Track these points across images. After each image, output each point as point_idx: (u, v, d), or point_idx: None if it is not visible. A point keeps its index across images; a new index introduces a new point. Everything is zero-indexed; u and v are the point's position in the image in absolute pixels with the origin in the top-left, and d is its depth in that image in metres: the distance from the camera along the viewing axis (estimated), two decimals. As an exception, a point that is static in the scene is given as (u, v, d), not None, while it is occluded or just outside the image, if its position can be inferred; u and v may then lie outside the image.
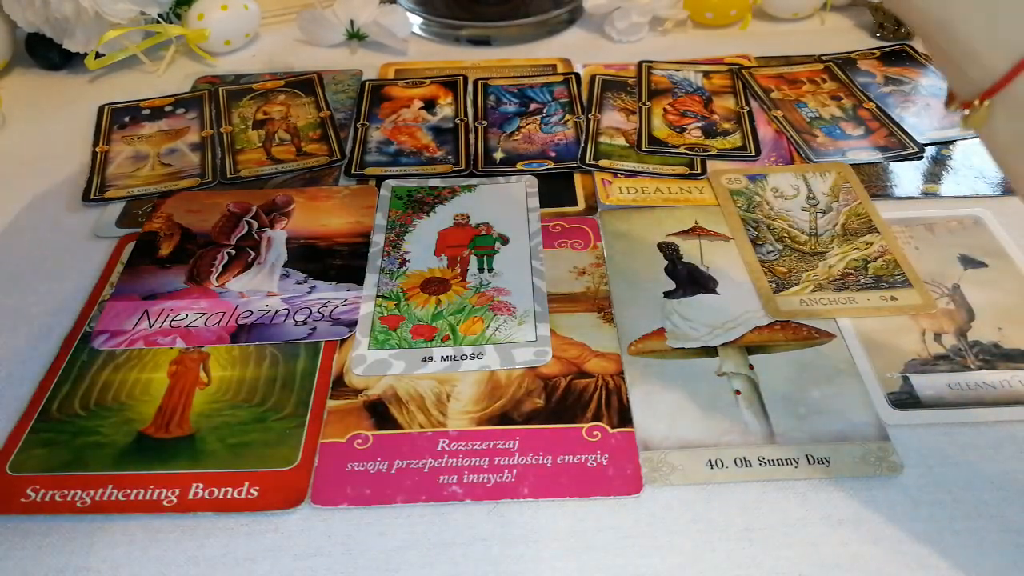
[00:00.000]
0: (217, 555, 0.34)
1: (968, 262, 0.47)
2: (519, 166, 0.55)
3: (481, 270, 0.47)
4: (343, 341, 0.43)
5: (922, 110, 0.60)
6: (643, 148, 0.56)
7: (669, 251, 0.48)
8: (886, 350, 0.42)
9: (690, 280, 0.46)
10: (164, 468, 0.37)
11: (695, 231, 0.50)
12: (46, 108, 0.64)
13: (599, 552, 0.34)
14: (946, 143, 0.56)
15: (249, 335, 0.43)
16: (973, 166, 0.54)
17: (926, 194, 0.52)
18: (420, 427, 0.39)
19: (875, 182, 0.53)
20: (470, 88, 0.64)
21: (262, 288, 0.46)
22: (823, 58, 0.67)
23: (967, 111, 0.29)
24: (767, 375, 0.40)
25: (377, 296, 0.45)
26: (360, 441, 0.38)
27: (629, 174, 0.54)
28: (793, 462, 0.36)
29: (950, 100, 0.30)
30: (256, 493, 0.36)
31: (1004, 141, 0.29)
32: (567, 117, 0.60)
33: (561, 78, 0.65)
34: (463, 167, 0.55)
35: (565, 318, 0.44)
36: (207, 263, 0.48)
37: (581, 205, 0.52)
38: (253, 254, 0.49)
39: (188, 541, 0.34)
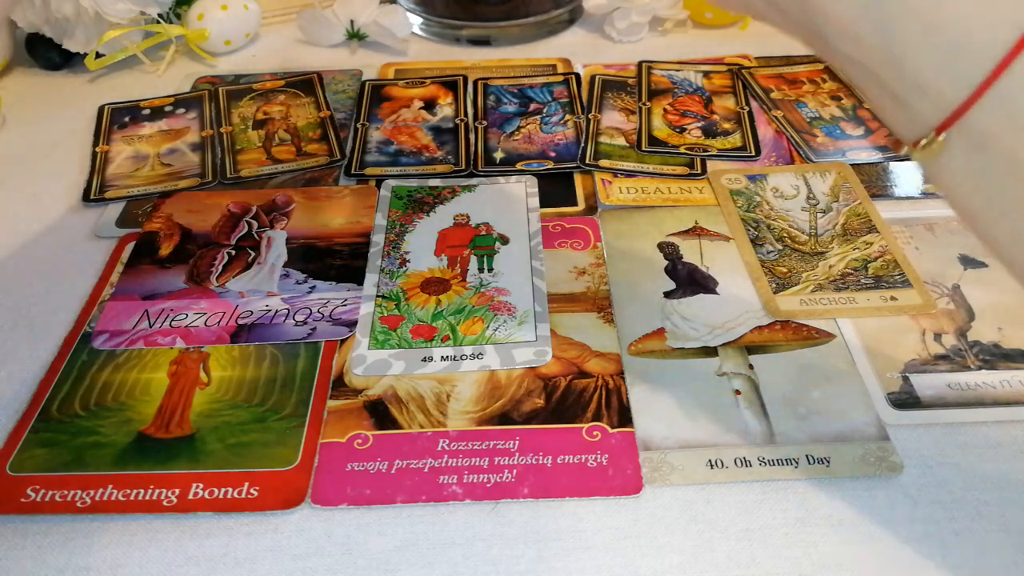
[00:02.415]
0: (217, 555, 0.34)
1: (968, 262, 0.47)
2: (519, 166, 0.55)
3: (481, 270, 0.47)
4: (343, 341, 0.43)
5: (922, 110, 0.60)
6: (643, 148, 0.56)
7: (669, 251, 0.48)
8: (886, 350, 0.42)
9: (690, 280, 0.46)
10: (164, 468, 0.37)
11: (695, 231, 0.50)
12: (46, 108, 0.64)
13: (599, 552, 0.34)
14: (946, 143, 0.56)
15: (249, 335, 0.43)
16: (973, 166, 0.54)
17: (926, 194, 0.52)
18: (420, 427, 0.39)
19: (875, 182, 0.53)
20: (470, 88, 0.64)
21: (262, 288, 0.46)
22: (823, 58, 0.66)
23: (921, 143, 0.27)
24: (767, 375, 0.40)
25: (377, 296, 0.45)
26: (360, 441, 0.38)
27: (629, 174, 0.54)
28: (793, 462, 0.36)
29: (897, 145, 0.29)
30: (256, 493, 0.36)
31: (960, 176, 0.27)
32: (567, 117, 0.60)
33: (561, 78, 0.65)
34: (463, 167, 0.55)
35: (565, 318, 0.44)
36: (207, 263, 0.48)
37: (581, 205, 0.52)
38: (253, 254, 0.49)
39: (188, 541, 0.34)
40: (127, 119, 0.61)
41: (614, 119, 0.60)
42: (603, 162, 0.55)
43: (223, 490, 0.36)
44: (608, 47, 0.70)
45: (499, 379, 0.41)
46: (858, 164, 0.54)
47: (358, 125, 0.60)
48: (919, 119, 0.27)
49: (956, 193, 0.28)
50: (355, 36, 0.71)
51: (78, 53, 0.66)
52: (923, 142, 0.27)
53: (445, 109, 0.61)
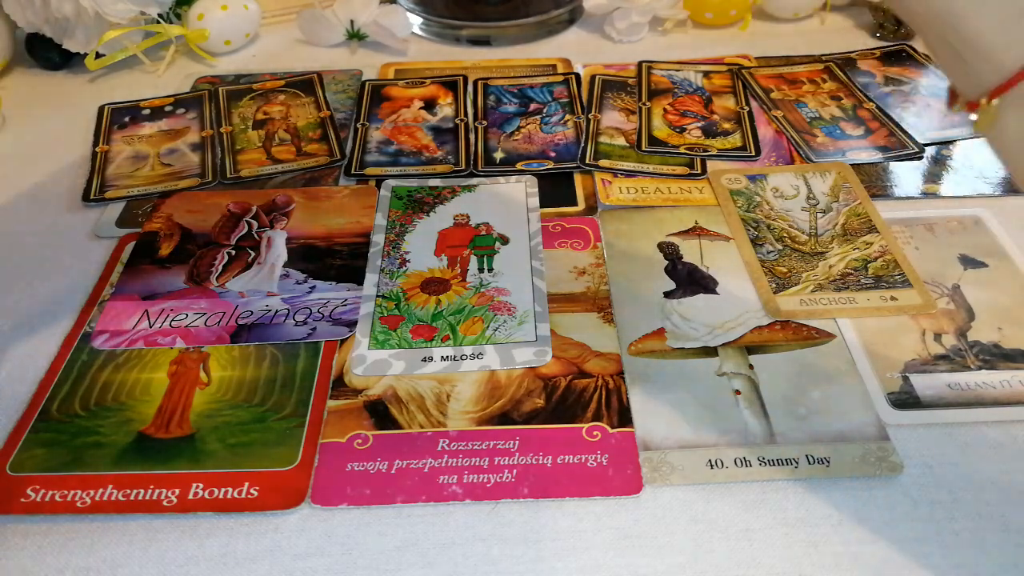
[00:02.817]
0: (217, 555, 0.34)
1: (968, 262, 0.47)
2: (519, 166, 0.55)
3: (481, 270, 0.47)
4: (343, 341, 0.43)
5: (922, 110, 0.60)
6: (643, 148, 0.56)
7: (669, 251, 0.48)
8: (886, 350, 0.42)
9: (690, 280, 0.46)
10: (164, 468, 0.37)
11: (695, 231, 0.50)
12: (46, 108, 0.64)
13: (599, 552, 0.34)
14: (946, 143, 0.56)
15: (249, 335, 0.43)
16: (973, 166, 0.54)
17: (926, 194, 0.52)
18: (420, 427, 0.38)
19: (875, 182, 0.53)
20: (470, 88, 0.64)
21: (262, 288, 0.46)
22: (823, 58, 0.67)
23: (975, 112, 0.28)
24: (767, 375, 0.40)
25: (377, 296, 0.45)
26: (360, 441, 0.38)
27: (629, 174, 0.54)
28: (793, 462, 0.36)
29: (952, 99, 0.29)
30: (256, 493, 0.36)
31: (1013, 141, 0.28)
32: (567, 117, 0.60)
33: (561, 78, 0.65)
34: (463, 167, 0.55)
35: (565, 318, 0.44)
36: (207, 263, 0.48)
37: (581, 205, 0.52)
38: (253, 254, 0.49)
39: (188, 541, 0.34)
40: (127, 119, 0.61)
41: (614, 119, 0.60)
42: (603, 162, 0.55)
43: (223, 490, 0.36)
44: (608, 47, 0.70)
45: (499, 379, 0.41)
46: (858, 164, 0.54)
47: (358, 125, 0.60)
48: (978, 80, 0.27)
49: (1009, 158, 0.28)
50: (355, 36, 0.71)
51: (78, 53, 0.66)
52: (976, 111, 0.27)
53: (445, 109, 0.61)
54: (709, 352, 0.42)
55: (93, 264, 0.48)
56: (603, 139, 0.58)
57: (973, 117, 0.28)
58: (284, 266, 0.48)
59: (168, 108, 0.62)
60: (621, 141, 0.57)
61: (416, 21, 0.73)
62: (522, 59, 0.69)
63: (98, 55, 0.66)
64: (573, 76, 0.64)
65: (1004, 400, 0.39)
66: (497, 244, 0.49)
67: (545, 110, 0.61)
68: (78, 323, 0.44)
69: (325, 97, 0.63)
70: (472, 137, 0.58)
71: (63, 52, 0.67)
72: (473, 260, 0.48)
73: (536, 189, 0.53)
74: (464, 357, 0.42)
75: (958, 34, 0.27)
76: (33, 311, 0.46)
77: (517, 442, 0.38)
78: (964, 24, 0.26)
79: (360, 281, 0.46)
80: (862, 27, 0.73)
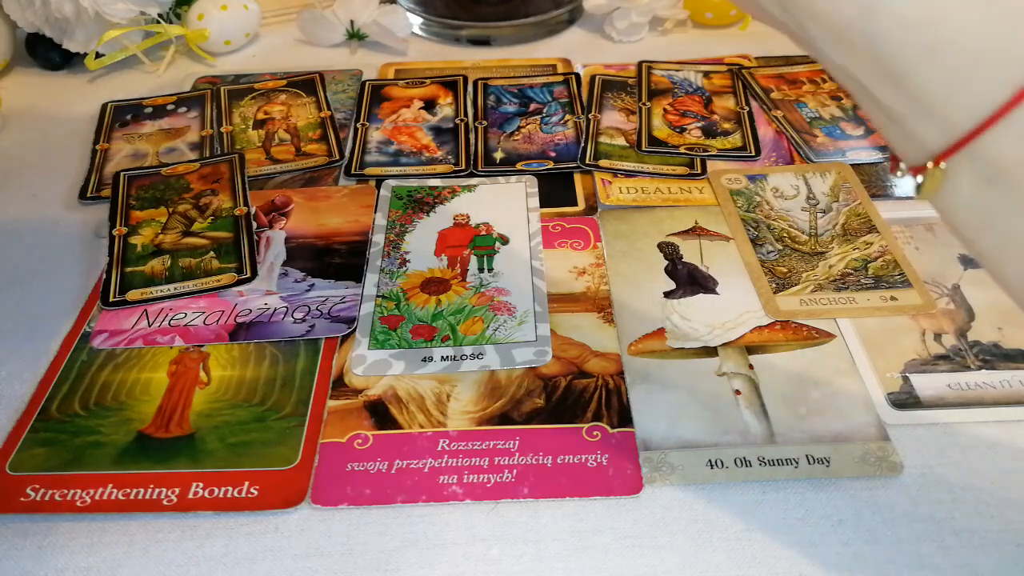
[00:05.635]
0: (217, 555, 0.34)
1: (968, 262, 0.47)
2: (519, 166, 0.55)
3: (481, 270, 0.47)
4: (343, 340, 0.43)
5: (922, 110, 0.60)
6: (643, 148, 0.56)
7: (669, 251, 0.48)
8: (886, 350, 0.42)
9: (690, 280, 0.46)
10: (164, 468, 0.37)
11: (695, 231, 0.50)
12: (46, 108, 0.64)
13: (599, 552, 0.34)
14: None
15: (248, 333, 0.43)
16: (973, 166, 0.54)
17: (926, 194, 0.52)
18: (420, 427, 0.38)
19: (875, 182, 0.53)
20: (470, 88, 0.64)
21: (261, 287, 0.46)
22: (823, 58, 0.66)
23: (919, 177, 0.24)
24: (767, 375, 0.40)
25: (377, 296, 0.45)
26: (360, 441, 0.38)
27: (629, 174, 0.54)
28: (793, 462, 0.36)
29: (894, 164, 0.26)
30: (256, 493, 0.36)
31: (965, 208, 0.25)
32: (567, 117, 0.60)
33: (561, 78, 0.65)
34: (463, 167, 0.55)
35: (565, 318, 0.44)
36: (207, 263, 0.48)
37: (581, 205, 0.52)
38: (253, 254, 0.48)
39: (188, 541, 0.34)
40: (129, 117, 0.61)
41: (614, 119, 0.60)
42: (603, 162, 0.55)
43: (223, 490, 0.36)
44: (608, 47, 0.70)
45: (499, 379, 0.41)
46: (858, 164, 0.54)
47: (358, 125, 0.60)
48: (920, 143, 0.24)
49: (961, 228, 0.26)
50: (355, 36, 0.71)
51: (78, 53, 0.66)
52: (921, 175, 0.25)
53: (445, 109, 0.61)
54: (709, 352, 0.42)
55: (93, 264, 0.48)
56: (603, 139, 0.58)
57: (919, 180, 0.25)
58: (283, 265, 0.48)
59: (170, 107, 0.62)
60: (621, 141, 0.57)
61: (416, 21, 0.73)
62: (522, 59, 0.69)
63: (98, 55, 0.66)
64: (573, 76, 0.64)
65: (1004, 400, 0.39)
66: (497, 244, 0.49)
67: (545, 110, 0.61)
68: (78, 323, 0.44)
69: (326, 97, 0.63)
70: (472, 137, 0.58)
71: (63, 52, 0.67)
72: (473, 260, 0.48)
73: (536, 189, 0.53)
74: (464, 357, 0.42)
75: (900, 92, 0.24)
76: (33, 311, 0.46)
77: (517, 442, 0.38)
78: (907, 82, 0.23)
79: (359, 279, 0.46)
80: (862, 27, 0.73)
